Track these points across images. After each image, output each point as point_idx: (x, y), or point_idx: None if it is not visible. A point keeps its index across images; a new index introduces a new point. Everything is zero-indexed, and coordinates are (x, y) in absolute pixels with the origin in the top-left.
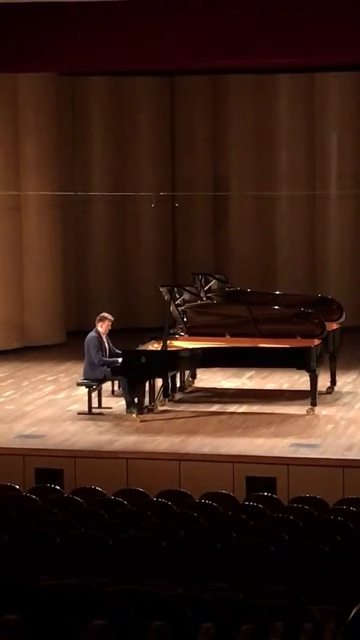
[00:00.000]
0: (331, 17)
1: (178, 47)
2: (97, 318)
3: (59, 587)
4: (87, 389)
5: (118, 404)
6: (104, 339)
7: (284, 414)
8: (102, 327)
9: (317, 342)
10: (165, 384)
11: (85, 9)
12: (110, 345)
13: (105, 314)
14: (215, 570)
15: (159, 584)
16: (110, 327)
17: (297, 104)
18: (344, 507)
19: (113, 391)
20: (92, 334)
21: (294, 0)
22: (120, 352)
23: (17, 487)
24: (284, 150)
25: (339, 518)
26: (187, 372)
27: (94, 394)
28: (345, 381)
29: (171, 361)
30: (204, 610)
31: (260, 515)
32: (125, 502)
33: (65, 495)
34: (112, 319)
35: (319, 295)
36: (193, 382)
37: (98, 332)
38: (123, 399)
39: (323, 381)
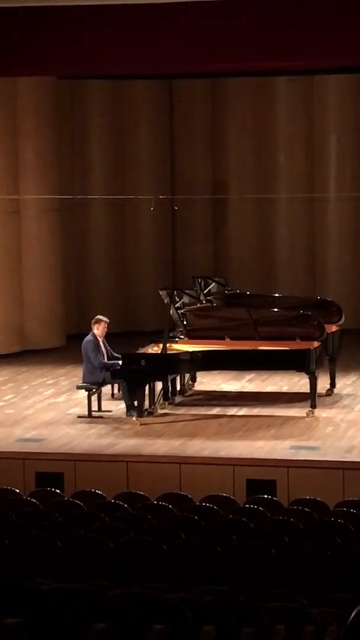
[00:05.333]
0: (330, 19)
1: (177, 51)
2: (93, 321)
3: (60, 591)
4: (87, 393)
5: (118, 407)
6: (101, 342)
7: (283, 417)
8: (99, 330)
9: (316, 344)
10: (165, 387)
11: (83, 12)
12: (108, 348)
13: (100, 317)
14: (216, 573)
15: (160, 587)
16: (106, 329)
17: (296, 106)
18: (344, 509)
19: (113, 394)
20: (88, 337)
21: (293, 3)
22: (118, 355)
23: (18, 490)
24: (283, 153)
25: (340, 520)
26: (187, 375)
27: (94, 398)
28: (345, 383)
29: (171, 364)
30: (205, 613)
31: (260, 517)
32: (125, 506)
33: (66, 498)
34: (108, 320)
35: (318, 297)
36: (193, 385)
37: (95, 335)
38: (123, 402)
39: (323, 383)
